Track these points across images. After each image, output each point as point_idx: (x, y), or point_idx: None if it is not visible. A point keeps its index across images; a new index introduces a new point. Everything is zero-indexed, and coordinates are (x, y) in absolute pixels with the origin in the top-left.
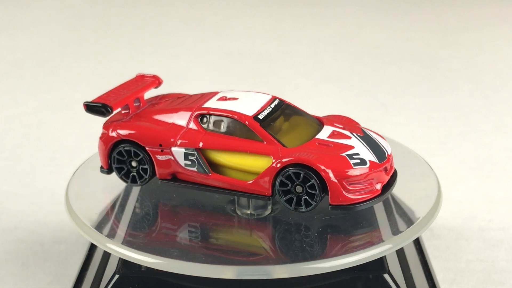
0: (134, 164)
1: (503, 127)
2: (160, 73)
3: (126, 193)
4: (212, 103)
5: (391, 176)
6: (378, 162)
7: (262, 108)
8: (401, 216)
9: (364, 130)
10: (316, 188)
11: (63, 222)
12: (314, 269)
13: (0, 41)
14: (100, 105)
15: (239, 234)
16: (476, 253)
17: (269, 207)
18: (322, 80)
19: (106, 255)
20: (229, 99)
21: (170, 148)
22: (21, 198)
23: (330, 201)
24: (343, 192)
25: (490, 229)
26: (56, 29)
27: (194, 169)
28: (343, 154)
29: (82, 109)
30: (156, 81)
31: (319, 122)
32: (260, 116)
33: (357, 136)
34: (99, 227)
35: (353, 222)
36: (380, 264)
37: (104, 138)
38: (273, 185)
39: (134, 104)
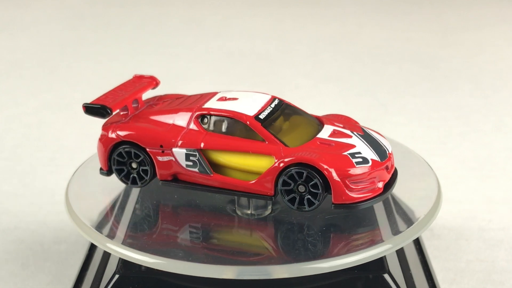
0: (134, 165)
1: (503, 127)
2: (160, 73)
3: (126, 193)
4: (212, 104)
5: (392, 175)
6: (380, 160)
7: (262, 108)
8: (401, 216)
9: (364, 129)
10: (319, 187)
11: (63, 222)
12: (314, 269)
13: (0, 41)
14: (99, 106)
15: (239, 234)
16: (476, 253)
17: (269, 207)
18: (322, 80)
19: (106, 255)
20: (229, 99)
21: (171, 149)
22: (21, 198)
23: (333, 200)
24: (346, 191)
25: (490, 229)
26: (56, 29)
27: (196, 169)
28: (345, 153)
29: (82, 109)
30: (153, 82)
31: (319, 122)
32: (261, 116)
33: (357, 135)
34: (99, 227)
35: (353, 222)
36: (380, 264)
37: (103, 139)
38: (276, 185)
39: (133, 105)
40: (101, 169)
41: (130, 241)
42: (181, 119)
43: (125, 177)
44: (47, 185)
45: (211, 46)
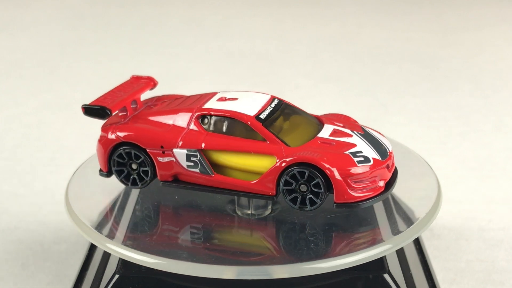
0: (134, 166)
1: (503, 127)
2: (160, 73)
3: (126, 194)
4: (212, 104)
5: (393, 173)
6: (381, 159)
7: (263, 108)
8: (401, 216)
9: (364, 128)
10: (321, 186)
11: (63, 222)
12: (314, 269)
13: (0, 41)
14: (98, 107)
15: (240, 234)
16: (476, 253)
17: (269, 207)
18: (322, 80)
19: (106, 255)
20: (229, 99)
21: (172, 149)
22: (21, 198)
23: (335, 199)
24: (348, 190)
25: (490, 229)
26: (56, 29)
27: (197, 170)
28: (347, 152)
29: (81, 110)
30: (151, 83)
31: (319, 121)
32: (262, 116)
33: (358, 134)
34: (99, 227)
35: (353, 222)
36: (380, 264)
37: (103, 141)
38: (277, 185)
39: (131, 106)
40: (100, 170)
41: (130, 241)
42: (181, 120)
43: (125, 178)
44: (47, 185)
45: (211, 46)
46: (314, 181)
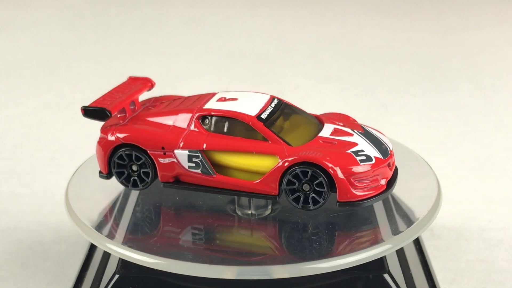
0: (135, 168)
1: (503, 127)
2: (160, 73)
3: (126, 194)
4: (212, 104)
5: (393, 172)
6: (382, 158)
7: (263, 107)
8: (401, 216)
9: (364, 127)
10: (324, 186)
11: (63, 222)
12: (314, 269)
13: (0, 41)
14: (98, 109)
15: (240, 235)
16: (476, 253)
17: (269, 207)
18: (322, 80)
19: (106, 255)
20: (229, 99)
21: (173, 150)
22: (21, 198)
23: (338, 198)
24: (351, 189)
25: (490, 229)
26: (56, 29)
27: (198, 171)
28: (349, 151)
29: (80, 112)
30: (148, 83)
31: (318, 120)
32: (263, 116)
33: (358, 133)
34: (99, 227)
35: (353, 222)
36: (380, 264)
37: (103, 142)
38: (280, 184)
39: (130, 107)
40: (100, 172)
41: (130, 241)
42: (181, 121)
43: (125, 180)
44: (47, 185)
45: (211, 46)
46: (317, 181)
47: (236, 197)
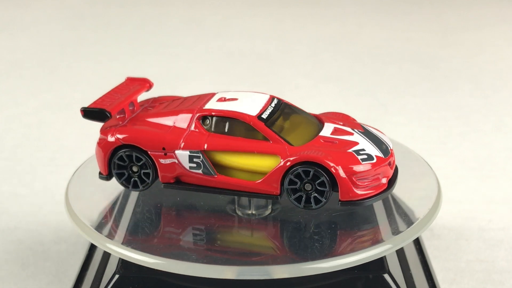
0: (135, 169)
1: (503, 127)
2: (160, 73)
3: (126, 194)
4: (212, 104)
5: (394, 171)
6: (383, 157)
7: (264, 107)
8: (401, 216)
9: (364, 126)
10: (326, 185)
11: (63, 222)
12: (314, 269)
13: (0, 41)
14: (98, 110)
15: (240, 235)
16: (476, 253)
17: (269, 207)
18: (322, 80)
19: (106, 255)
20: (229, 99)
21: (174, 151)
22: (21, 198)
23: (340, 197)
24: (353, 188)
25: (490, 229)
26: (56, 29)
27: (200, 171)
28: (350, 150)
29: (80, 113)
30: (146, 84)
31: (318, 120)
32: (264, 116)
33: (358, 132)
34: (99, 227)
35: (353, 222)
36: (380, 264)
37: (103, 143)
38: (281, 184)
39: (129, 108)
40: (100, 173)
41: (130, 241)
42: (181, 121)
43: (126, 181)
44: (47, 185)
45: (211, 46)
46: (319, 180)
47: (236, 197)
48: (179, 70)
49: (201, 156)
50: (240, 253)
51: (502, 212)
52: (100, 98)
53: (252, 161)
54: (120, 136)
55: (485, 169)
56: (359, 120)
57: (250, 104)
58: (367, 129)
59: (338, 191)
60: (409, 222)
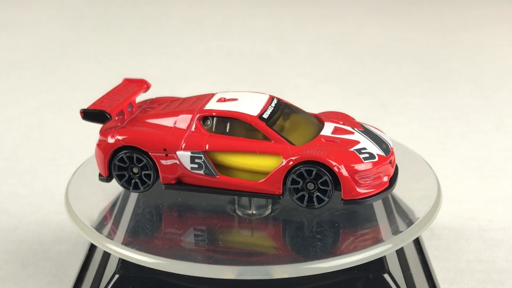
0: (135, 170)
1: (503, 127)
2: (160, 73)
3: (126, 194)
4: (213, 105)
5: (394, 169)
6: (384, 155)
7: (264, 107)
8: (401, 216)
9: (363, 125)
10: (329, 184)
11: (63, 222)
12: (314, 269)
13: (0, 41)
14: (98, 112)
15: (240, 235)
16: (476, 253)
17: (269, 206)
18: (322, 80)
19: (106, 255)
20: (229, 100)
21: (175, 152)
22: (21, 198)
23: (342, 196)
24: (355, 186)
25: (490, 229)
26: (56, 29)
27: (201, 172)
28: (352, 149)
29: (80, 115)
30: (144, 85)
31: (318, 119)
32: (265, 116)
33: (359, 131)
34: (99, 227)
35: (353, 222)
36: (380, 264)
37: (103, 145)
38: (284, 184)
39: (128, 109)
40: (100, 175)
41: (130, 241)
42: (182, 122)
43: (126, 183)
44: (47, 185)
45: (211, 46)
46: (322, 179)
47: (236, 197)
48: (179, 70)
49: (203, 157)
50: (240, 253)
51: (502, 212)
52: (98, 99)
53: (253, 161)
54: (120, 138)
55: (485, 169)
56: (359, 120)
57: (250, 104)
58: (367, 128)
59: (340, 190)
60: (409, 222)
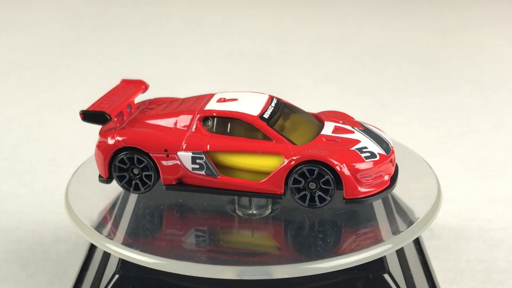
0: (136, 171)
1: (503, 127)
2: (160, 73)
3: (126, 194)
4: (213, 105)
5: (395, 168)
6: (385, 154)
7: (264, 107)
8: (401, 216)
9: (363, 124)
10: (331, 183)
11: (63, 222)
12: (314, 269)
13: (0, 41)
14: (98, 113)
15: (240, 235)
16: (476, 253)
17: (269, 206)
18: (322, 80)
19: (106, 255)
20: (229, 100)
21: (176, 152)
22: (21, 198)
23: (344, 195)
24: (357, 186)
25: (490, 229)
26: (56, 29)
27: (202, 172)
28: (353, 148)
29: (79, 116)
30: (142, 86)
31: (318, 119)
32: (265, 116)
33: (359, 130)
34: (99, 227)
35: (353, 222)
36: (380, 264)
37: (103, 146)
38: (285, 183)
39: (127, 110)
40: (100, 176)
41: (130, 241)
42: (182, 122)
43: (127, 184)
44: (47, 185)
45: (211, 46)
46: (324, 178)
47: (236, 197)
48: (179, 70)
49: (204, 157)
50: (240, 253)
51: (502, 212)
52: (97, 100)
53: (255, 161)
54: (120, 139)
55: (485, 169)
56: (359, 120)
57: (250, 104)
58: (366, 127)
59: (342, 189)
60: (409, 222)
